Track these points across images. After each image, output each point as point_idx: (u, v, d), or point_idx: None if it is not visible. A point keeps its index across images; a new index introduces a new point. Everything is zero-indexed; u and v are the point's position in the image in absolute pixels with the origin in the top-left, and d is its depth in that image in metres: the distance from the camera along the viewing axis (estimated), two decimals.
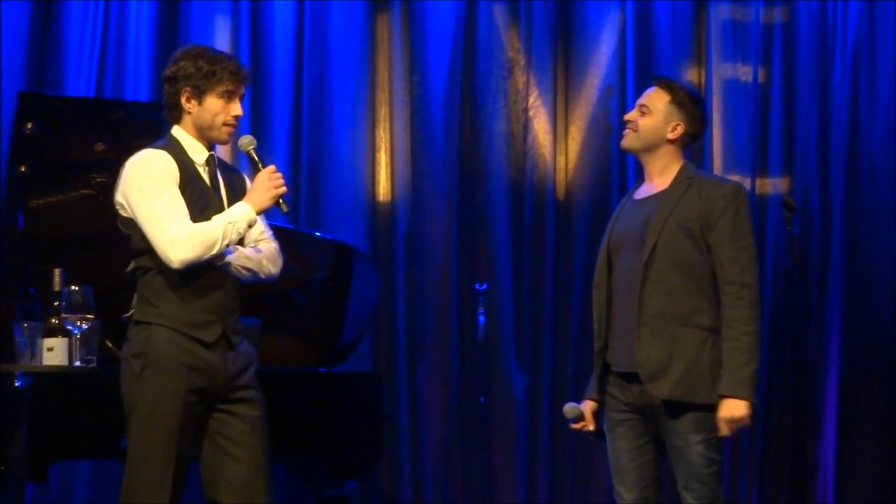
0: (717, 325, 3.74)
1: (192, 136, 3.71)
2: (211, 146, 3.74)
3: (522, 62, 6.48)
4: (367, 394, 5.08)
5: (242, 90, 3.71)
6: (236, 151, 5.54)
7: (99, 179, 4.87)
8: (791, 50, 6.48)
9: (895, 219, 6.28)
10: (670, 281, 3.73)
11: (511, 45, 6.50)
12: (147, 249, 3.62)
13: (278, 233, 3.90)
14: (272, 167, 3.68)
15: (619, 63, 6.45)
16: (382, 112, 6.42)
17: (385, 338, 6.31)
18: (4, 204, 4.69)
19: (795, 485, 6.15)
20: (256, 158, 3.72)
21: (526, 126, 6.45)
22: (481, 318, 6.33)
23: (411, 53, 6.42)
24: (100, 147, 4.87)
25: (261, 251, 3.75)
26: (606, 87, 6.45)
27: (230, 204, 3.70)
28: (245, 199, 3.67)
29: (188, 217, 3.59)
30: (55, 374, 4.09)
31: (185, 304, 3.61)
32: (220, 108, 3.67)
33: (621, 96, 6.41)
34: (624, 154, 5.89)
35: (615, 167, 6.41)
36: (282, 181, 3.65)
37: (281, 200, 3.65)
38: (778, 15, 6.51)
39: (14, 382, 3.91)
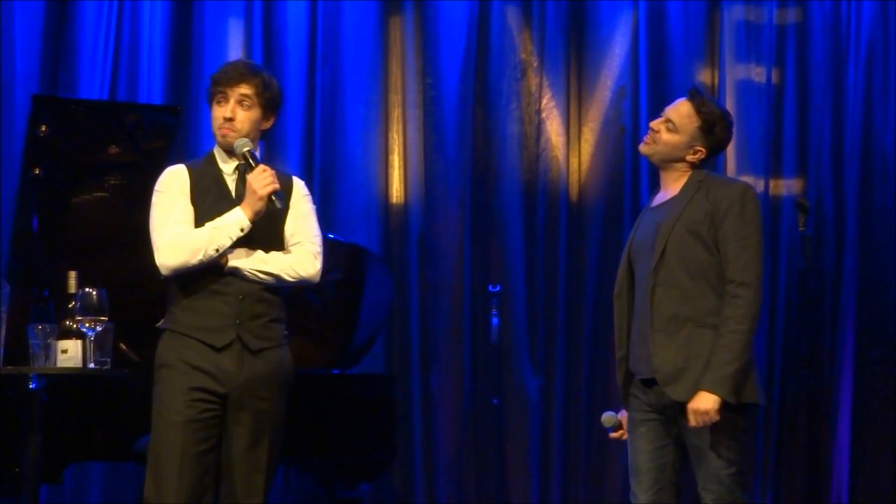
0: None
1: (221, 147, 3.78)
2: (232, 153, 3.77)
3: (535, 64, 6.48)
4: (380, 395, 5.08)
5: (231, 90, 3.71)
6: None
7: (112, 182, 4.90)
8: (805, 51, 6.47)
9: None
10: (682, 284, 3.71)
11: (524, 47, 6.50)
12: None
13: None
14: (260, 167, 3.69)
15: (632, 64, 6.44)
16: (395, 114, 6.42)
17: (398, 340, 6.31)
18: (19, 206, 4.70)
19: (810, 485, 6.14)
20: (250, 161, 3.72)
21: (539, 128, 6.45)
22: (494, 320, 6.33)
23: (424, 55, 6.42)
24: (113, 150, 4.89)
25: (290, 254, 3.76)
26: (619, 89, 6.45)
27: None
28: (241, 204, 3.69)
29: (188, 225, 3.67)
30: (69, 376, 4.10)
31: (195, 309, 3.67)
32: (214, 115, 3.75)
33: (634, 97, 6.41)
34: (637, 155, 5.88)
35: (628, 169, 6.40)
36: (270, 179, 3.66)
37: (273, 198, 3.66)
38: (791, 16, 6.50)
39: (28, 384, 3.91)
